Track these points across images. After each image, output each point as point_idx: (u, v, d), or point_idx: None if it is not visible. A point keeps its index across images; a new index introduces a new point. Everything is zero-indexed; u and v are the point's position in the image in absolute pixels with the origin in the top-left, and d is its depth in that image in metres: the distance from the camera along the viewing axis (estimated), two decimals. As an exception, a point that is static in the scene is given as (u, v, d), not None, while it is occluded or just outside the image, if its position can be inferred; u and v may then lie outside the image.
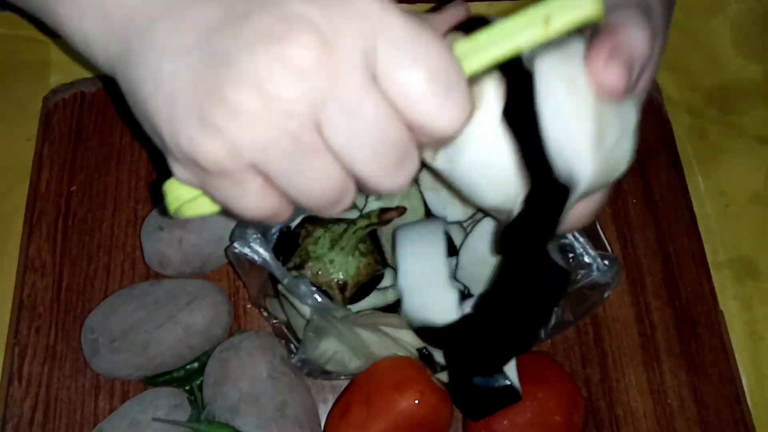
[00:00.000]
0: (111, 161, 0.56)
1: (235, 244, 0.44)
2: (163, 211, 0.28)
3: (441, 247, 0.43)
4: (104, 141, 0.56)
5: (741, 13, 0.67)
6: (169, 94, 0.24)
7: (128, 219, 0.54)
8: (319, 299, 0.42)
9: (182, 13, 0.24)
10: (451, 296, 0.42)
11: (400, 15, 0.23)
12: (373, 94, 0.23)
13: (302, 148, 0.23)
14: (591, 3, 0.24)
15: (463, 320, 0.40)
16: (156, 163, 0.56)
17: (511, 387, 0.42)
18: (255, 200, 0.25)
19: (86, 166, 0.55)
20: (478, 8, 0.64)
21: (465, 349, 0.42)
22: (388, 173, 0.24)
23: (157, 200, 0.53)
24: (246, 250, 0.43)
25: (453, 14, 0.32)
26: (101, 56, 0.28)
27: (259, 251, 0.43)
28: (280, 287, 0.47)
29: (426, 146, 0.26)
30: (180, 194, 0.28)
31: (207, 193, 0.26)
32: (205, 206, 0.28)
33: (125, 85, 0.27)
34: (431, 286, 0.43)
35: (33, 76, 0.59)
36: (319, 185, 0.24)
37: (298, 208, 0.26)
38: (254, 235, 0.43)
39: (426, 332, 0.43)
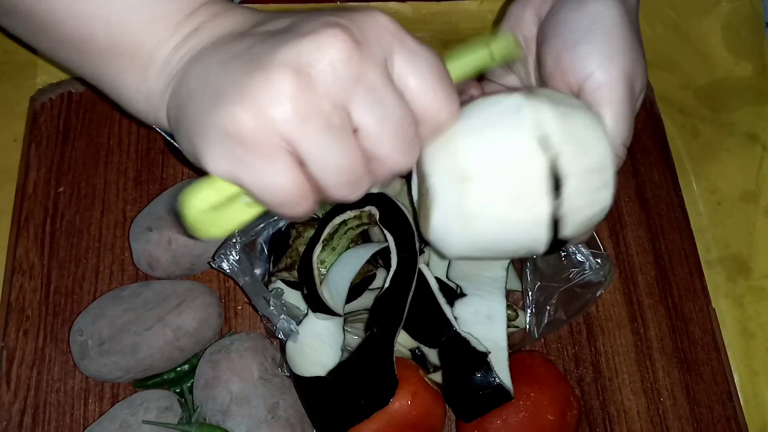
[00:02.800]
0: (99, 162, 0.55)
1: (214, 258, 0.44)
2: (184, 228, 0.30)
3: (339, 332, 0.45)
4: (92, 141, 0.56)
5: (732, 11, 0.67)
6: (215, 87, 0.28)
7: (117, 220, 0.53)
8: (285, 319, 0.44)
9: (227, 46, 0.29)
10: (332, 357, 0.44)
11: (410, 35, 0.29)
12: (392, 87, 0.28)
13: (331, 127, 0.27)
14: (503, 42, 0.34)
15: (319, 379, 0.43)
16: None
17: (501, 386, 0.42)
18: (283, 178, 0.27)
19: (74, 166, 0.55)
20: (469, 6, 0.64)
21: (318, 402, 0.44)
22: (403, 152, 0.29)
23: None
24: (224, 266, 0.44)
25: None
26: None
27: (235, 267, 0.44)
28: (271, 287, 0.47)
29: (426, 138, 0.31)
30: (201, 199, 0.28)
31: (236, 179, 0.28)
32: (224, 220, 0.29)
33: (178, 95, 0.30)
34: (322, 342, 0.45)
35: (20, 76, 0.58)
36: (343, 164, 0.28)
37: (319, 200, 0.29)
38: (233, 251, 0.44)
39: (297, 380, 0.44)
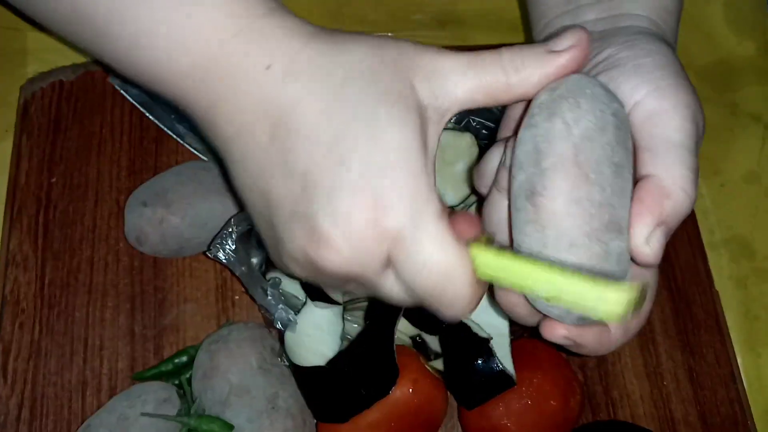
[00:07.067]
0: (91, 151, 0.54)
1: (210, 248, 0.44)
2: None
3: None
4: (84, 131, 0.55)
5: (734, -11, 0.66)
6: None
7: (110, 210, 0.52)
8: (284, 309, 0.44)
9: None
10: (331, 346, 0.43)
11: (429, 233, 0.27)
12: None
13: None
14: (609, 313, 0.24)
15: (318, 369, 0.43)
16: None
17: (504, 373, 0.42)
18: None
19: (66, 156, 0.54)
20: None
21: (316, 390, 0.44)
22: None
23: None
24: (220, 255, 0.44)
25: (570, 59, 0.29)
26: None
27: (232, 257, 0.44)
28: (268, 277, 0.47)
29: None
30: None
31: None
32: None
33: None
34: (322, 333, 0.44)
35: (9, 65, 0.57)
36: None
37: None
38: (229, 240, 0.44)
39: (297, 370, 0.44)
